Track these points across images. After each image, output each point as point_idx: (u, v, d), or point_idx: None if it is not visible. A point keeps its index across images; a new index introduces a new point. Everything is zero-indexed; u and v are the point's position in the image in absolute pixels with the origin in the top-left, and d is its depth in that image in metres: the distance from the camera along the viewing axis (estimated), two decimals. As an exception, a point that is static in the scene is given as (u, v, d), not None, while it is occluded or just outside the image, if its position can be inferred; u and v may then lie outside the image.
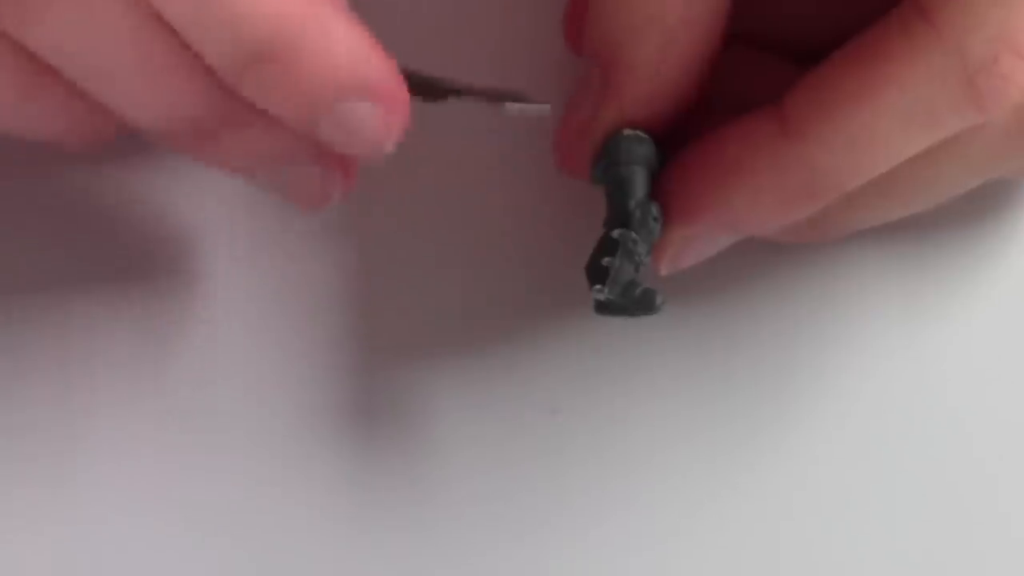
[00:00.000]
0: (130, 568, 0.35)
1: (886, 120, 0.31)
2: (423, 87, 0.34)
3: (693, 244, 0.34)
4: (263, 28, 0.31)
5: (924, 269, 0.38)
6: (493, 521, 0.36)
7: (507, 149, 0.36)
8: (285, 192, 0.35)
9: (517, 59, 0.38)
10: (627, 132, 0.34)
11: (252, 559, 0.35)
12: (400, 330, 0.37)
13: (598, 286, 0.33)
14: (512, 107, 0.34)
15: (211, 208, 0.37)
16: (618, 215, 0.34)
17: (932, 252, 0.38)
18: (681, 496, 0.36)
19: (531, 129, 0.36)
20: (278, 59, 0.31)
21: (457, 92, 0.34)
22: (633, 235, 0.33)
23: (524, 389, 0.36)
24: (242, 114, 0.33)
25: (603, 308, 0.34)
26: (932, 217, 0.36)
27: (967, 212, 0.38)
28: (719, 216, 0.33)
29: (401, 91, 0.32)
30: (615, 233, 0.33)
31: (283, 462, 0.36)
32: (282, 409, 0.36)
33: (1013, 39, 0.30)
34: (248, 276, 0.37)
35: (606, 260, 0.33)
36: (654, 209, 0.34)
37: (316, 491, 0.36)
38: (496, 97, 0.34)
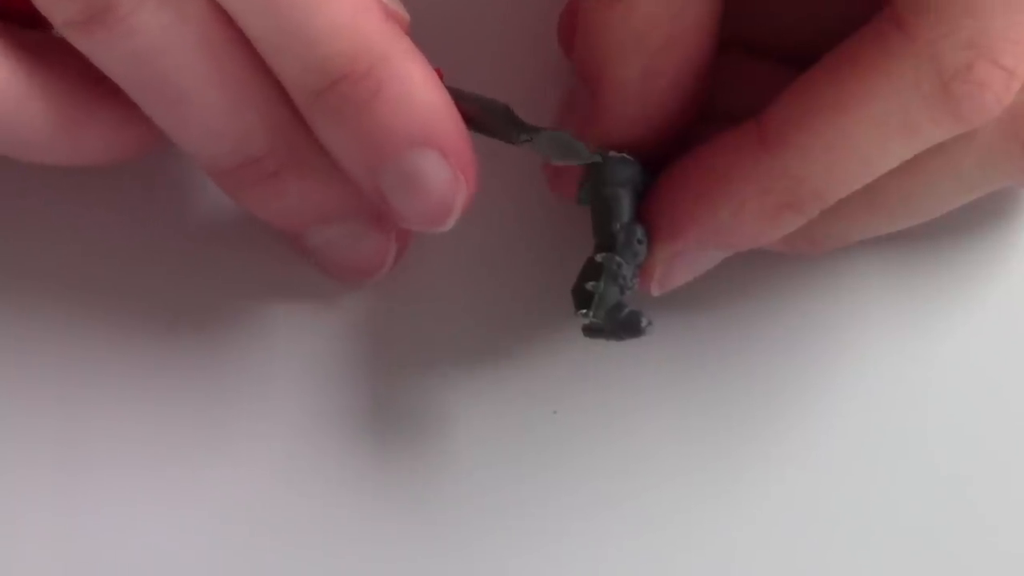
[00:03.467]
0: (138, 569, 0.36)
1: (862, 128, 0.31)
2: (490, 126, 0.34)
3: (681, 261, 0.34)
4: (345, 51, 0.31)
5: (923, 276, 0.38)
6: (495, 515, 0.37)
7: (510, 152, 0.36)
8: (336, 257, 0.35)
9: (517, 60, 0.38)
10: (612, 154, 0.34)
11: (258, 558, 0.36)
12: (407, 335, 0.37)
13: (583, 310, 0.34)
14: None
15: (212, 209, 0.37)
16: (602, 237, 0.34)
17: (931, 259, 0.38)
18: (676, 493, 0.37)
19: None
20: (355, 87, 0.31)
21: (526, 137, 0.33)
22: (617, 258, 0.34)
23: (526, 391, 0.37)
24: (306, 156, 0.33)
25: (590, 332, 0.34)
26: (930, 225, 0.35)
27: (966, 219, 0.37)
28: (704, 230, 0.34)
29: (472, 156, 0.32)
30: (599, 257, 0.34)
31: (288, 462, 0.37)
32: (288, 410, 0.37)
33: (987, 46, 0.30)
34: (253, 277, 0.37)
35: (590, 284, 0.34)
36: (639, 231, 0.34)
37: (321, 489, 0.37)
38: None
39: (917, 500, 0.37)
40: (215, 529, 0.36)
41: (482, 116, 0.34)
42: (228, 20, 0.31)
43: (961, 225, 0.38)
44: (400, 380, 0.37)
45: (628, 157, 0.34)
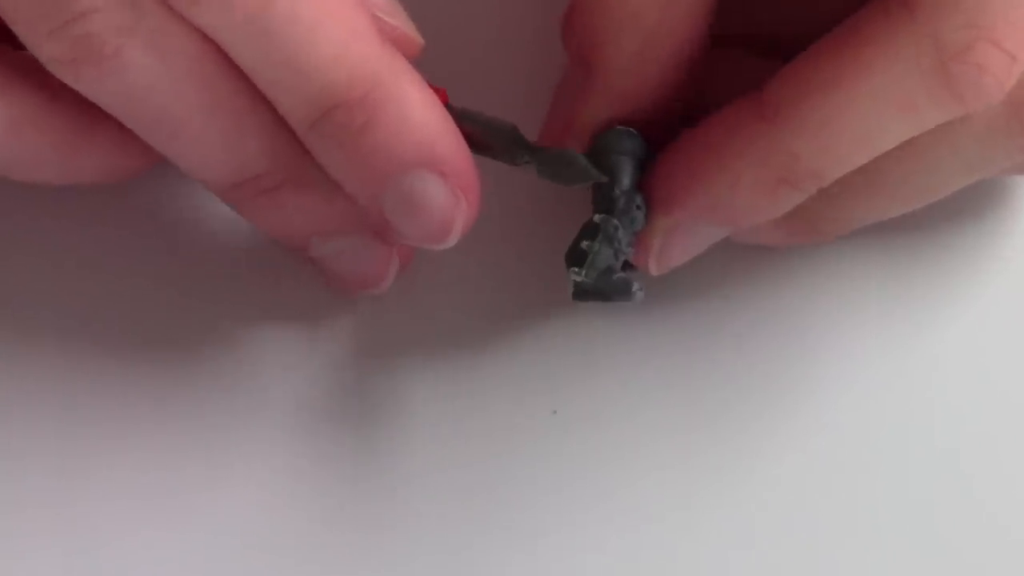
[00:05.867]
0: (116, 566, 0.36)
1: (859, 105, 0.31)
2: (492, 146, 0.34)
3: (678, 236, 0.34)
4: (340, 79, 0.31)
5: (918, 269, 0.37)
6: (496, 514, 0.36)
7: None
8: (339, 269, 0.36)
9: (518, 59, 0.39)
10: (618, 127, 0.34)
11: (253, 558, 0.36)
12: (406, 335, 0.37)
13: (575, 268, 0.33)
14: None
15: (211, 207, 0.37)
16: (602, 203, 0.34)
17: (926, 251, 0.37)
18: (676, 491, 0.36)
19: (531, 130, 0.36)
20: (351, 114, 0.31)
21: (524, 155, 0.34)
22: (615, 221, 0.33)
23: (526, 390, 0.37)
24: (306, 174, 0.33)
25: (580, 293, 0.34)
26: (925, 216, 0.35)
27: (961, 211, 0.37)
28: (701, 203, 0.33)
29: (474, 176, 0.32)
30: (597, 218, 0.34)
31: (284, 463, 0.36)
32: (283, 410, 0.37)
33: (988, 27, 0.30)
34: (249, 275, 0.37)
35: (585, 244, 0.33)
36: (638, 198, 0.34)
37: (318, 493, 0.36)
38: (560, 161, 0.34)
39: (916, 491, 0.36)
40: (213, 548, 0.36)
41: (486, 137, 0.34)
42: (220, 52, 0.31)
43: (960, 216, 0.37)
44: (399, 380, 0.37)
45: (632, 131, 0.34)
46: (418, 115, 0.32)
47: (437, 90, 0.33)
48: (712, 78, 0.35)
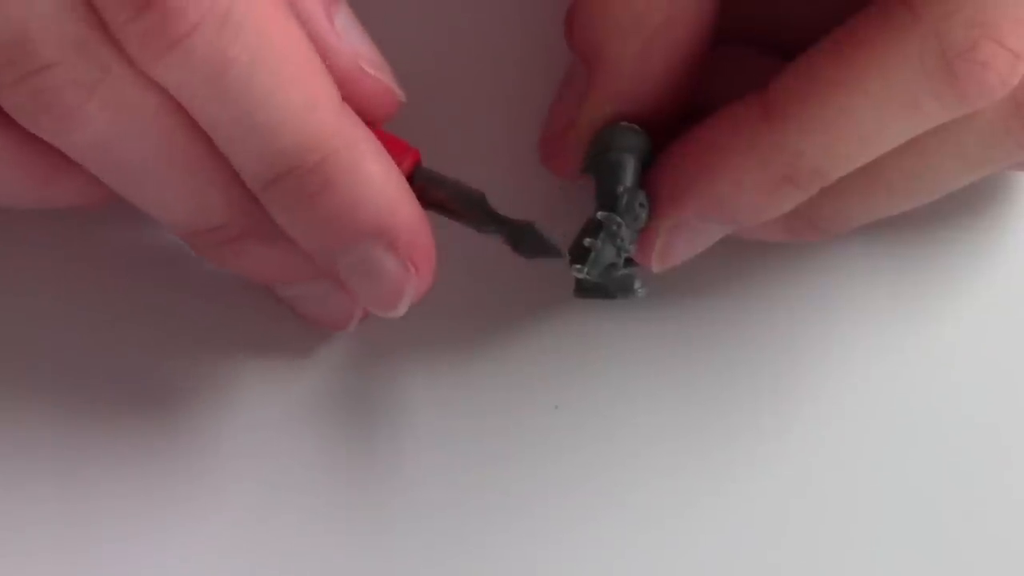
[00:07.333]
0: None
1: (863, 103, 0.31)
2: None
3: (681, 234, 0.34)
4: (295, 144, 0.31)
5: (920, 265, 0.38)
6: (498, 511, 0.36)
7: (512, 147, 0.37)
8: (303, 311, 0.36)
9: (518, 59, 0.39)
10: (622, 124, 0.34)
11: (257, 558, 0.36)
12: (407, 332, 0.37)
13: (578, 265, 0.33)
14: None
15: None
16: (605, 200, 0.34)
17: (928, 248, 0.38)
18: (678, 487, 0.36)
19: (532, 127, 0.37)
20: (303, 180, 0.31)
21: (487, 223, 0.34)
22: (618, 219, 0.34)
23: (528, 386, 0.37)
24: (266, 227, 0.33)
25: (583, 290, 0.34)
26: (927, 213, 0.35)
27: (961, 210, 0.37)
28: (704, 201, 0.33)
29: (428, 247, 0.33)
30: (600, 215, 0.34)
31: (285, 460, 0.36)
32: (284, 409, 0.37)
33: (992, 26, 0.30)
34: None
35: (588, 241, 0.34)
36: (641, 195, 0.34)
37: (321, 488, 0.36)
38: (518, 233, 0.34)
39: (922, 490, 0.36)
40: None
41: (454, 203, 0.34)
42: (180, 107, 0.31)
43: (961, 212, 0.38)
44: (401, 377, 0.37)
45: (636, 128, 0.34)
46: (373, 185, 0.32)
47: (410, 151, 0.33)
48: (716, 76, 0.35)
